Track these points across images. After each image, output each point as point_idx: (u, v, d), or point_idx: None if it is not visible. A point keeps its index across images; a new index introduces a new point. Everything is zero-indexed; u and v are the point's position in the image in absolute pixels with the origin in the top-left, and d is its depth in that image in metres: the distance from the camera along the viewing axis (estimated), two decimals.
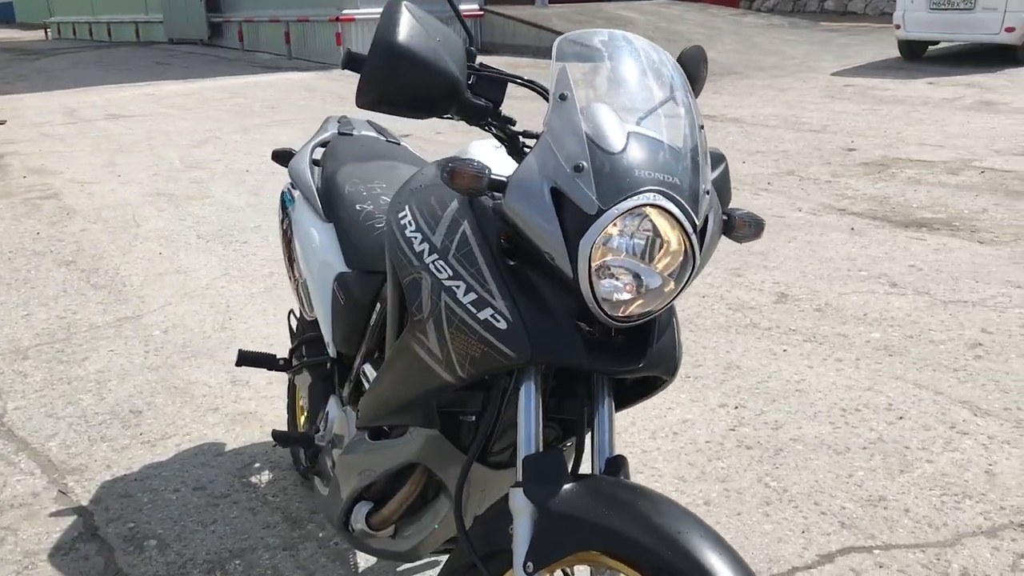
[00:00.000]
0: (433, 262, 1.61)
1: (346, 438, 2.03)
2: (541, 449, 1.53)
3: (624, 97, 1.52)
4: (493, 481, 1.82)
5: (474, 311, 1.51)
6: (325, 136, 2.71)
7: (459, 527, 1.59)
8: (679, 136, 1.48)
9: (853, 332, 3.81)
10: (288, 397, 2.98)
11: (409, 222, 1.71)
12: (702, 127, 1.53)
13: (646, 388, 1.68)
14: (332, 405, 2.24)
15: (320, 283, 2.33)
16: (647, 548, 1.36)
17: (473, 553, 1.57)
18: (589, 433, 1.62)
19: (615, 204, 1.40)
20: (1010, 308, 3.99)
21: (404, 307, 1.78)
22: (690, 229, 1.43)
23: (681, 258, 1.45)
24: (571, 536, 1.43)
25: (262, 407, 3.34)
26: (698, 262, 1.47)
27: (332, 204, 2.40)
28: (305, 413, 2.91)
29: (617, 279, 1.45)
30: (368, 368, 2.04)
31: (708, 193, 1.50)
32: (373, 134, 2.76)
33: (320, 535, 2.58)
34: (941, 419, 3.07)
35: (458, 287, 1.55)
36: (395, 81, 1.48)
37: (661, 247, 1.44)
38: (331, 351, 2.31)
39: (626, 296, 1.45)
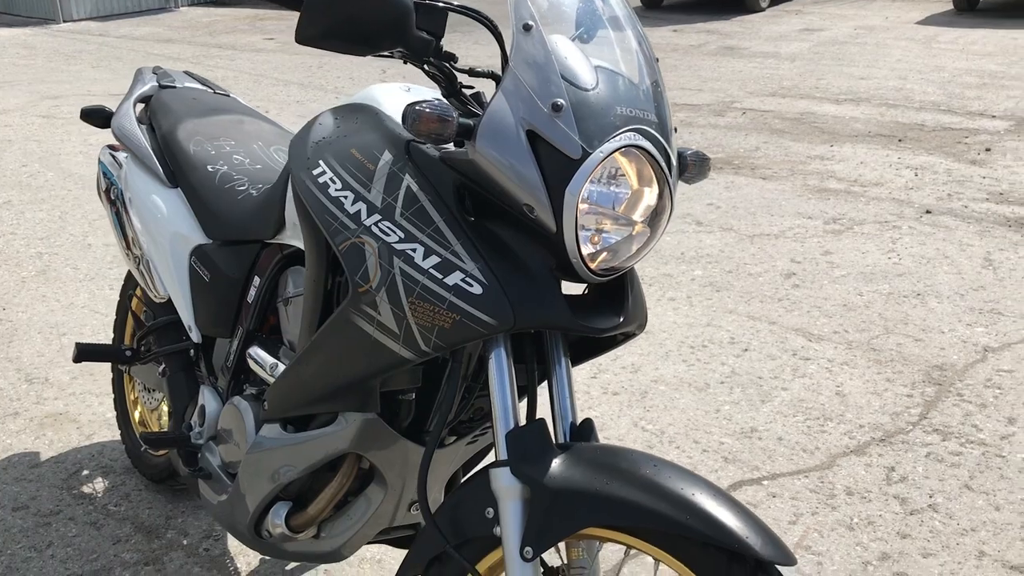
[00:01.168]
0: (376, 224, 1.41)
1: (240, 433, 1.77)
2: (520, 423, 1.39)
3: (575, 27, 1.39)
4: (435, 460, 1.66)
5: (440, 276, 1.34)
6: (144, 90, 2.35)
7: (426, 516, 1.43)
8: (635, 68, 1.37)
9: (676, 271, 3.91)
10: (115, 392, 2.61)
11: (331, 180, 1.49)
12: (657, 60, 1.43)
13: (601, 344, 1.57)
14: (207, 397, 1.96)
15: (173, 258, 2.03)
16: (661, 515, 1.26)
17: (447, 543, 1.41)
18: (547, 397, 1.50)
19: (599, 147, 1.27)
20: (808, 238, 4.24)
21: (328, 279, 1.56)
22: (667, 170, 1.33)
23: (656, 202, 1.35)
24: (573, 513, 1.31)
25: (73, 406, 2.92)
26: (674, 205, 1.37)
27: (177, 167, 2.09)
28: (140, 407, 2.57)
29: (595, 229, 1.33)
30: (258, 352, 1.79)
31: (676, 130, 1.41)
32: (198, 85, 2.43)
33: (184, 542, 2.28)
34: (782, 348, 3.20)
35: (414, 250, 1.37)
36: (345, 9, 1.26)
37: (636, 191, 1.33)
38: (194, 336, 2.02)
39: (602, 247, 1.33)
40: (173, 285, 2.04)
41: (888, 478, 2.45)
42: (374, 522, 1.68)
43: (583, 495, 1.30)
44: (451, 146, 1.42)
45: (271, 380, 1.72)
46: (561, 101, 1.27)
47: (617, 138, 1.28)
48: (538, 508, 1.32)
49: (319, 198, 1.48)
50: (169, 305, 2.10)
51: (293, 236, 1.72)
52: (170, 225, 2.04)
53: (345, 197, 1.45)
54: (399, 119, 1.53)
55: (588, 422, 1.48)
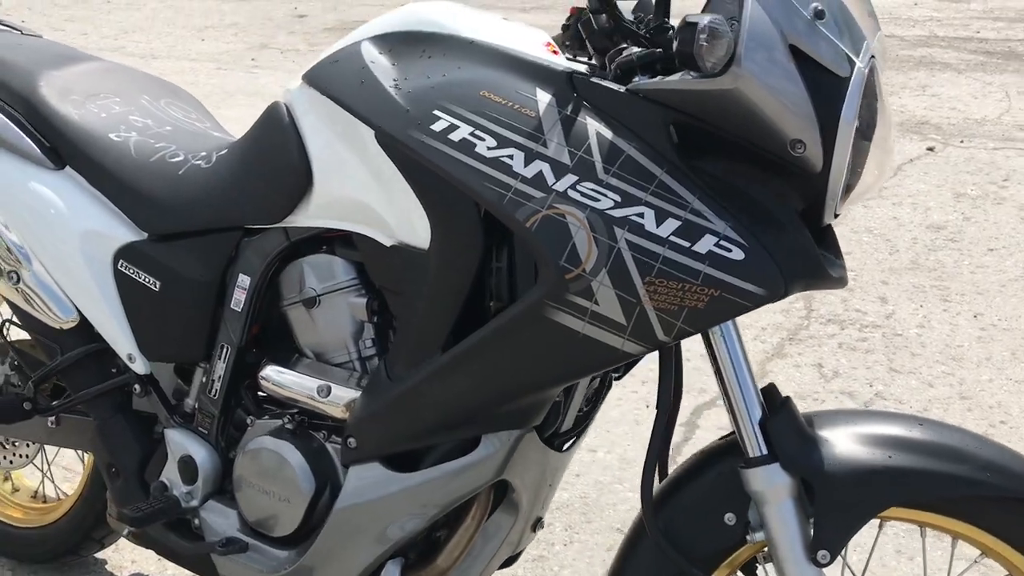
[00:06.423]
0: (573, 187, 1.07)
1: (286, 483, 1.33)
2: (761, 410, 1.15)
3: None
4: (558, 467, 1.38)
5: (686, 244, 1.05)
6: None
7: (652, 529, 1.16)
8: None
9: None
10: None
11: (474, 135, 1.12)
12: None
13: None
14: (188, 444, 1.45)
15: (88, 266, 1.50)
16: (964, 479, 1.11)
17: (680, 558, 1.16)
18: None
19: (858, 59, 1.04)
20: None
21: (481, 270, 1.17)
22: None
23: (891, 119, 1.14)
24: (868, 498, 1.12)
25: None
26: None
27: (61, 140, 1.52)
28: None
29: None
30: (283, 374, 1.36)
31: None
32: (6, 28, 1.79)
33: None
34: None
35: (641, 215, 1.06)
36: None
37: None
38: (139, 366, 1.51)
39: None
40: (92, 302, 1.50)
41: None
42: (501, 554, 1.36)
43: (875, 474, 1.12)
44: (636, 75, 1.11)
45: (317, 406, 1.32)
46: (820, 6, 1.02)
47: (867, 49, 1.06)
48: (825, 501, 1.11)
49: (463, 161, 1.11)
50: (80, 331, 1.54)
51: (323, 215, 1.30)
52: (74, 221, 1.49)
53: (509, 157, 1.09)
54: (512, 44, 1.18)
55: (773, 389, 1.26)
